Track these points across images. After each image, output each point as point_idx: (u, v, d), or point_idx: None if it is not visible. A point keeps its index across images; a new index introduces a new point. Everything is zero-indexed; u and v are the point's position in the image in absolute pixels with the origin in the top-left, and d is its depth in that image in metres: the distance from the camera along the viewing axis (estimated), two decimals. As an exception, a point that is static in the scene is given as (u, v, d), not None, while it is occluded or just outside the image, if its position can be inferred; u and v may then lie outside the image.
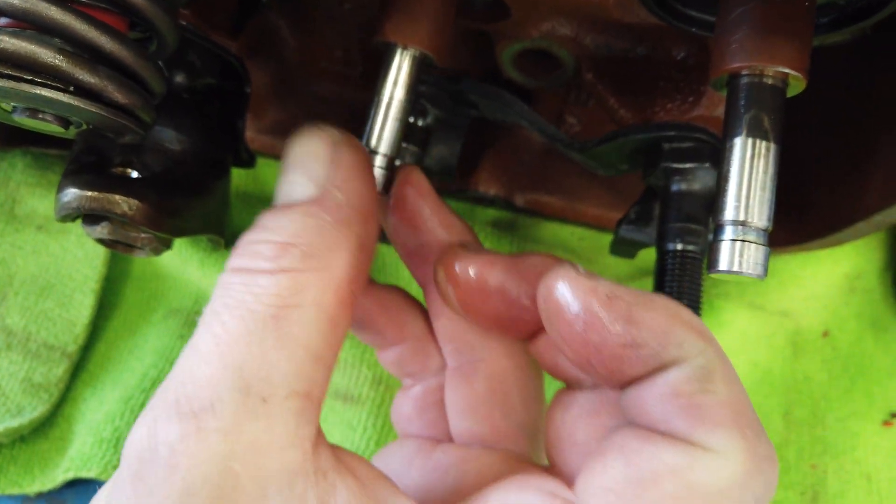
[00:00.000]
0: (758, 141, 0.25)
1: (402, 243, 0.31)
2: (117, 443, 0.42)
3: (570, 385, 0.27)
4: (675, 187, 0.36)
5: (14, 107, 0.25)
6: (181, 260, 0.48)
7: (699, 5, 0.31)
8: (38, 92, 0.23)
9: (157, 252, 0.36)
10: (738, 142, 0.25)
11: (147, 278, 0.50)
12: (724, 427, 0.21)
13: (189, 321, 0.47)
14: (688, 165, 0.35)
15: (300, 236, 0.23)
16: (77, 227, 0.41)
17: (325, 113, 0.52)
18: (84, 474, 0.41)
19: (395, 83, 0.33)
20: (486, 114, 0.43)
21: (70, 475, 0.42)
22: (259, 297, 0.22)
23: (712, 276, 0.26)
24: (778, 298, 0.49)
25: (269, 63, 0.50)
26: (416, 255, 0.30)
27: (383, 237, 0.40)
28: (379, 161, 0.34)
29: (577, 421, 0.26)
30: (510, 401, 0.29)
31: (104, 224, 0.33)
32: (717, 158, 0.29)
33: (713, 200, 0.27)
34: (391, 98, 0.33)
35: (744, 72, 0.26)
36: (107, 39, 0.25)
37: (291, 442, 0.21)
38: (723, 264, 0.25)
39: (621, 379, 0.23)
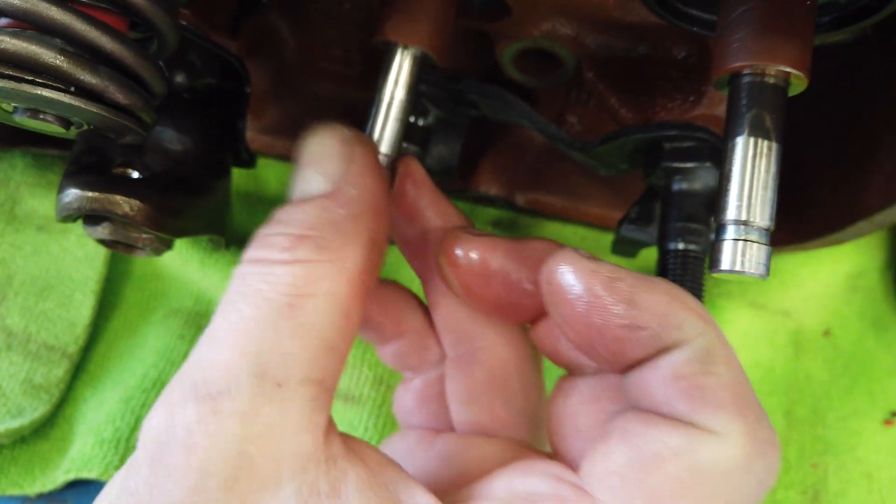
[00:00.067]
0: (760, 140, 0.25)
1: (400, 234, 0.31)
2: (118, 443, 0.42)
3: (572, 371, 0.28)
4: (676, 187, 0.36)
5: (15, 107, 0.25)
6: (182, 260, 0.47)
7: (700, 4, 0.30)
8: (40, 92, 0.23)
9: (158, 252, 0.36)
10: (739, 141, 0.25)
11: (147, 278, 0.50)
12: (726, 409, 0.22)
13: (189, 321, 0.47)
14: (689, 165, 0.35)
15: (315, 228, 0.24)
16: (77, 227, 0.41)
17: (325, 113, 0.51)
18: (85, 475, 0.41)
19: (396, 83, 0.33)
20: (486, 113, 0.43)
21: (71, 476, 0.42)
22: (274, 286, 0.23)
23: (714, 275, 0.26)
24: (779, 298, 0.50)
25: (268, 63, 0.50)
26: (415, 245, 0.30)
27: None
28: (380, 161, 0.34)
29: (580, 407, 0.26)
30: (510, 388, 0.30)
31: (105, 224, 0.33)
32: (718, 158, 0.29)
33: (714, 200, 0.27)
34: (392, 98, 0.33)
35: (745, 71, 0.26)
36: (108, 40, 0.25)
37: (305, 427, 0.22)
38: (725, 264, 0.25)
39: (623, 362, 0.24)
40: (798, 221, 0.43)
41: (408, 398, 0.32)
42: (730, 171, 0.25)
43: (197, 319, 0.47)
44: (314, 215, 0.24)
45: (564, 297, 0.24)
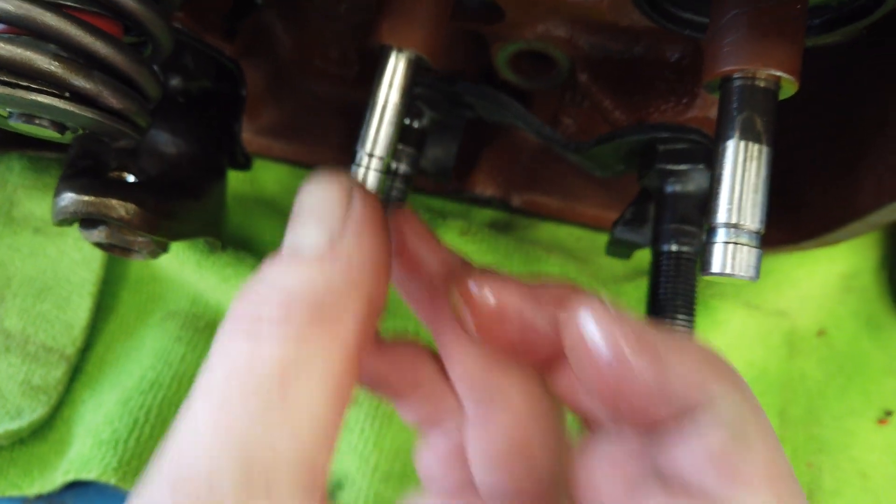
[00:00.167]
0: (750, 144, 0.25)
1: (402, 284, 0.30)
2: (116, 444, 0.42)
3: (592, 424, 0.26)
4: (669, 188, 0.36)
5: (10, 112, 0.25)
6: (178, 262, 0.48)
7: (692, 8, 0.31)
8: (34, 98, 0.24)
9: (155, 255, 0.36)
10: (730, 144, 0.25)
11: (144, 281, 0.50)
12: (761, 487, 0.20)
13: (186, 323, 0.47)
14: (682, 167, 0.36)
15: (309, 295, 0.22)
16: (74, 229, 0.41)
17: (322, 113, 0.52)
18: (83, 476, 0.41)
19: (391, 86, 0.33)
20: (481, 115, 0.43)
21: (69, 477, 0.42)
22: (263, 363, 0.21)
23: (705, 277, 0.26)
24: (774, 298, 0.50)
25: (265, 63, 0.50)
26: (419, 295, 0.29)
27: None
28: (375, 164, 0.34)
29: (602, 471, 0.24)
30: (531, 449, 0.28)
31: (101, 228, 0.33)
32: (712, 160, 0.29)
33: (707, 202, 0.27)
34: (386, 101, 0.33)
35: (736, 75, 0.26)
36: (102, 45, 0.25)
37: None
38: (715, 267, 0.25)
39: (648, 422, 0.22)
40: (792, 222, 0.43)
41: (429, 456, 0.30)
42: (720, 174, 0.25)
43: (194, 321, 0.47)
44: (309, 278, 0.22)
45: (586, 350, 0.22)
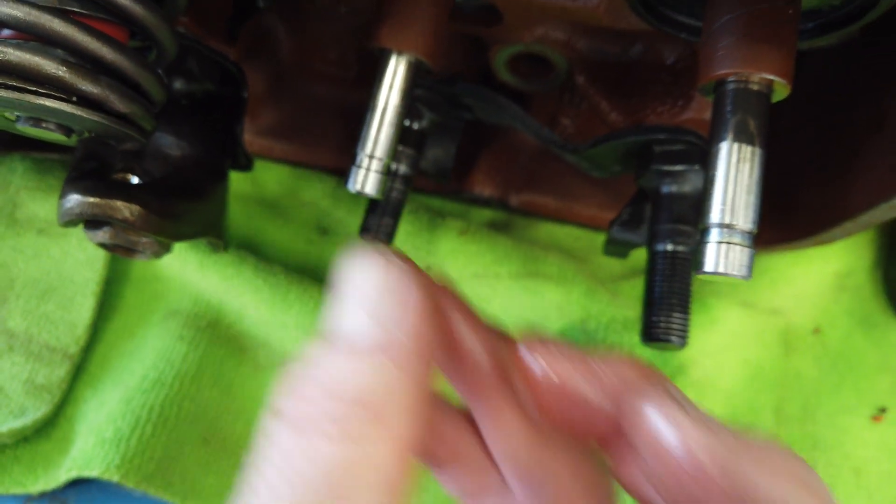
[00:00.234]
0: (743, 146, 0.26)
1: (440, 360, 0.27)
2: (119, 443, 0.42)
3: None
4: (665, 189, 0.36)
5: (18, 116, 0.26)
6: (180, 262, 0.48)
7: (688, 11, 0.31)
8: (42, 102, 0.24)
9: (158, 256, 0.36)
10: (724, 146, 0.26)
11: (147, 280, 0.50)
12: None
13: (188, 322, 0.47)
14: (678, 168, 0.36)
15: (366, 392, 0.20)
16: (78, 230, 0.41)
17: (322, 115, 0.52)
18: (86, 474, 0.42)
19: (391, 88, 0.34)
20: (480, 117, 0.43)
21: (73, 474, 0.42)
22: (317, 466, 0.19)
23: (699, 277, 0.26)
24: (769, 296, 0.50)
25: (265, 65, 0.50)
26: (459, 370, 0.26)
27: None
28: (375, 165, 0.35)
29: None
30: None
31: (106, 229, 0.34)
32: (706, 161, 0.29)
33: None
34: (386, 103, 0.34)
35: (730, 78, 0.26)
36: (108, 50, 0.25)
37: None
38: (709, 266, 0.25)
39: None
40: (787, 221, 0.44)
41: None
42: (714, 175, 0.26)
43: (196, 321, 0.48)
44: (365, 373, 0.20)
45: (656, 451, 0.21)
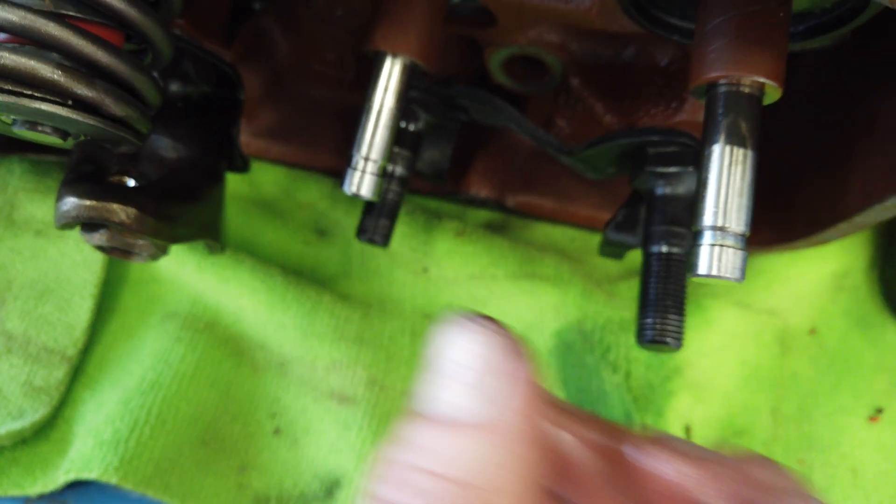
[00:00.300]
0: (735, 148, 0.26)
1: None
2: (117, 444, 0.42)
3: None
4: (659, 191, 0.37)
5: (14, 119, 0.26)
6: (178, 264, 0.48)
7: (680, 13, 0.31)
8: (38, 106, 0.24)
9: (155, 258, 0.36)
10: (716, 149, 0.26)
11: (144, 282, 0.50)
12: None
13: (186, 324, 0.48)
14: (672, 169, 0.36)
15: (474, 473, 0.18)
16: (75, 232, 0.41)
17: (320, 116, 0.52)
18: (85, 475, 0.42)
19: (386, 90, 0.34)
20: (476, 118, 0.43)
21: (71, 476, 0.42)
22: None
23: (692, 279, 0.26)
24: (765, 297, 0.50)
25: (262, 67, 0.51)
26: (559, 467, 0.25)
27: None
28: (371, 167, 0.35)
29: None
30: None
31: (102, 232, 0.34)
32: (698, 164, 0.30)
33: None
34: (382, 105, 0.34)
35: (721, 81, 0.26)
36: (103, 54, 0.25)
37: None
38: (702, 268, 0.25)
39: None
40: (782, 222, 0.44)
41: None
42: (706, 178, 0.26)
43: (193, 322, 0.48)
44: (476, 454, 0.19)
45: None
